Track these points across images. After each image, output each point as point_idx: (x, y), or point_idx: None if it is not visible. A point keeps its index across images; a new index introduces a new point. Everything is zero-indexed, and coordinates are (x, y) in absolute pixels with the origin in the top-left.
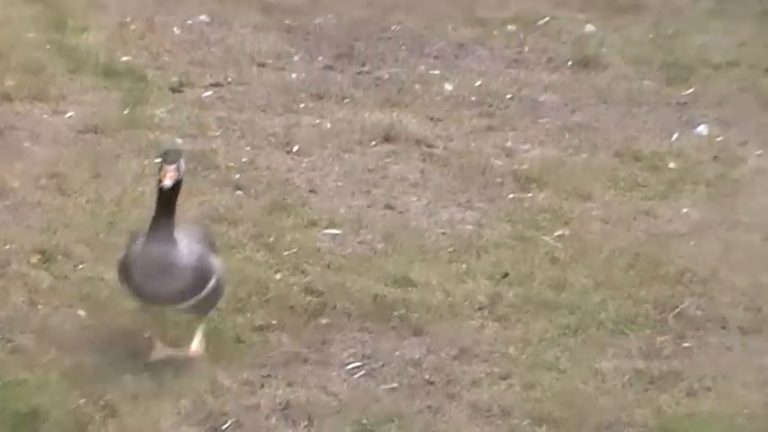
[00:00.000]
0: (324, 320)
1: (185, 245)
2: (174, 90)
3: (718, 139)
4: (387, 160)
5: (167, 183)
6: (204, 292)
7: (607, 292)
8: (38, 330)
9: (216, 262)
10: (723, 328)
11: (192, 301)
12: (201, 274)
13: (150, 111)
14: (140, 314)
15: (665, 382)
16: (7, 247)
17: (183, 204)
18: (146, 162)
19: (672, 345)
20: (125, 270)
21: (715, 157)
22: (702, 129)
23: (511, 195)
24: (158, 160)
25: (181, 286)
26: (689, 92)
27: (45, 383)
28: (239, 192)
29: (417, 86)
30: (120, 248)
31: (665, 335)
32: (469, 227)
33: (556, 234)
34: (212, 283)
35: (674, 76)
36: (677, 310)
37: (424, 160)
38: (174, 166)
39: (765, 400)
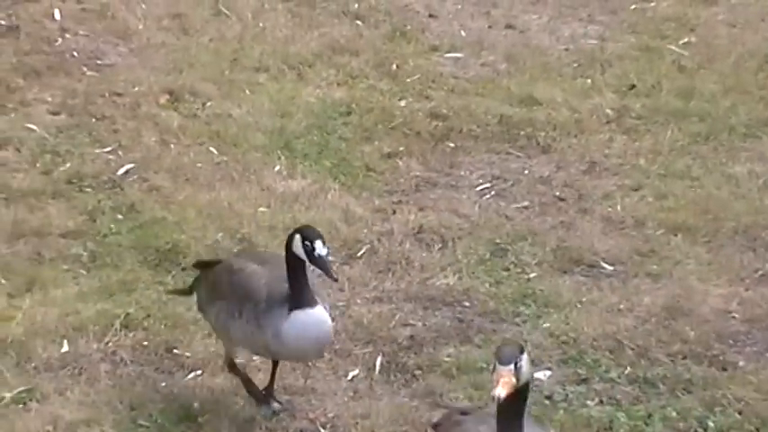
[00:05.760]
0: (451, 144)
1: None
2: None
3: None
4: None
5: (499, 392)
6: None
7: (737, 96)
8: (172, 169)
9: None
10: None
11: None
12: None
13: None
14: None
15: None
16: (136, 89)
17: (304, 36)
18: None
19: None
20: None
21: None
22: None
23: (633, 6)
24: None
25: None
26: None
27: (183, 220)
28: (359, 21)
29: None
30: None
31: None
32: (592, 41)
33: (681, 42)
34: None
35: None
36: None
37: None
38: (508, 368)
39: None
